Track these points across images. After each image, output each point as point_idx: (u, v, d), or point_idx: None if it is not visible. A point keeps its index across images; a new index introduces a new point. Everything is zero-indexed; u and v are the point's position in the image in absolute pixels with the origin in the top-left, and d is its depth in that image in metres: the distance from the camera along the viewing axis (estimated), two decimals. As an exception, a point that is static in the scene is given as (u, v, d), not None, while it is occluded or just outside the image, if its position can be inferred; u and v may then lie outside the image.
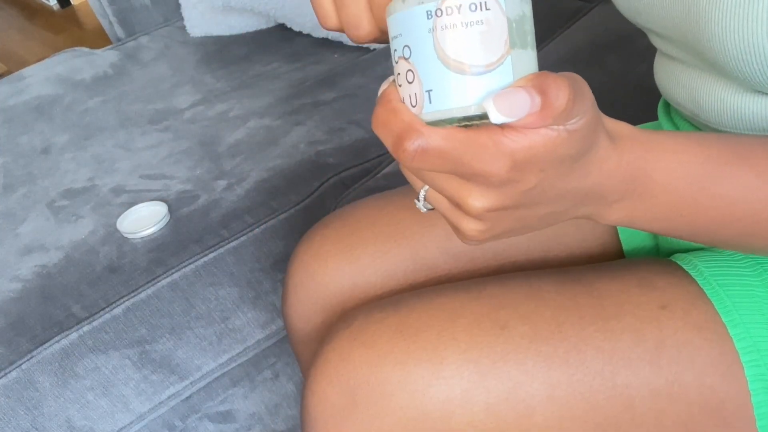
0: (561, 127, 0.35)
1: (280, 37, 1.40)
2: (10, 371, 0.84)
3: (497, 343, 0.53)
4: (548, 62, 1.19)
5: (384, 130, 0.36)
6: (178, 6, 1.47)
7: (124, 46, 1.49)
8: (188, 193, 1.04)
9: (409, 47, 0.35)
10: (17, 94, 1.37)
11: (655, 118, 0.68)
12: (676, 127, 0.61)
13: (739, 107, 0.52)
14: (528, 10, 0.36)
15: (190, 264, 0.93)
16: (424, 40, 0.35)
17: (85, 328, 0.87)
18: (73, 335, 0.87)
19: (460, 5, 0.33)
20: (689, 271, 0.56)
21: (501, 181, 0.36)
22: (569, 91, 0.34)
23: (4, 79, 1.46)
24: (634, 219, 0.44)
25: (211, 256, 0.94)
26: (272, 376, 1.00)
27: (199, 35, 1.46)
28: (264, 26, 1.46)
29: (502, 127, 0.34)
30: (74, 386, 0.86)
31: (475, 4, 0.33)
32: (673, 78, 0.59)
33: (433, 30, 0.34)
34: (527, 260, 0.69)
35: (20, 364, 0.85)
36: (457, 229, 0.42)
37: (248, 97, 1.23)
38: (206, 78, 1.32)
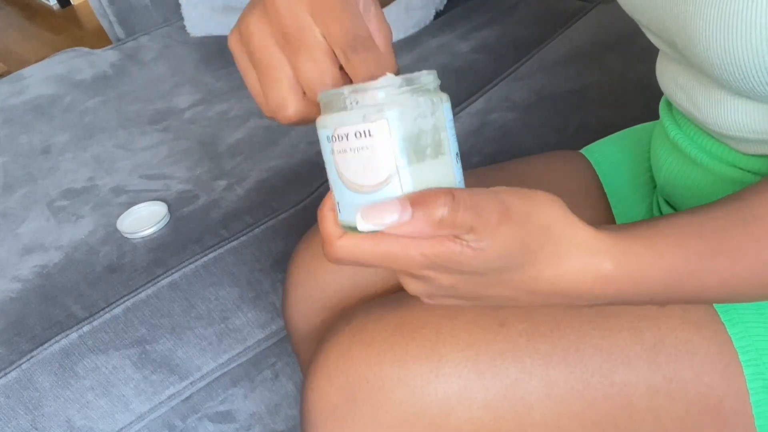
0: (460, 245, 0.38)
1: (280, 37, 1.40)
2: (10, 371, 0.84)
3: (496, 341, 0.53)
4: (548, 62, 1.19)
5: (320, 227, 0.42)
6: (178, 6, 1.47)
7: (124, 46, 1.49)
8: (188, 193, 1.04)
9: (325, 162, 0.41)
10: (17, 94, 1.37)
11: (655, 117, 0.68)
12: (678, 125, 0.61)
13: (734, 110, 0.52)
14: (430, 123, 0.39)
15: (190, 264, 0.93)
16: (329, 160, 0.40)
17: (85, 328, 0.87)
18: (73, 335, 0.87)
19: (347, 134, 0.38)
20: None
21: (417, 276, 0.41)
22: (451, 205, 0.36)
23: (4, 79, 1.46)
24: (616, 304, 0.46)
25: (211, 256, 0.94)
26: (272, 376, 1.00)
27: (199, 35, 1.46)
28: (264, 26, 1.46)
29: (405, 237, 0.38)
30: (74, 386, 0.86)
31: (359, 131, 0.37)
32: (672, 78, 0.59)
33: (332, 152, 0.39)
34: None
35: (20, 364, 0.85)
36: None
37: (248, 97, 1.23)
38: (206, 78, 1.32)
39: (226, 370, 0.94)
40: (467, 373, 0.52)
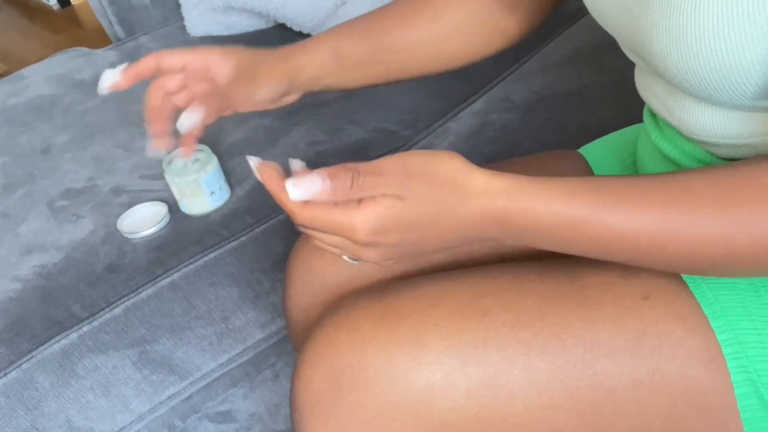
0: (389, 202, 0.47)
1: (280, 37, 1.40)
2: (10, 371, 0.84)
3: (479, 330, 0.54)
4: (548, 62, 1.19)
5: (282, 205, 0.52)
6: (178, 6, 1.47)
7: (124, 46, 1.49)
8: (188, 193, 1.03)
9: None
10: (17, 94, 1.37)
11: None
12: (659, 129, 0.62)
13: (701, 116, 0.53)
14: (192, 179, 0.97)
15: (190, 264, 0.93)
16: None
17: (85, 328, 0.88)
18: (73, 335, 0.87)
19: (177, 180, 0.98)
20: None
21: (364, 243, 0.48)
22: (354, 172, 0.47)
23: (4, 79, 1.46)
24: (527, 244, 0.51)
25: (211, 256, 0.94)
26: (272, 376, 1.00)
27: (199, 35, 1.46)
28: (264, 26, 1.46)
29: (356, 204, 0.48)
30: (74, 386, 0.86)
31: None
32: (647, 87, 0.60)
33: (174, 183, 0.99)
34: (522, 257, 0.69)
35: (20, 364, 0.85)
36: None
37: (248, 97, 1.23)
38: (206, 78, 1.32)
39: (226, 370, 0.94)
40: (449, 360, 0.53)
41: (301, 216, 0.50)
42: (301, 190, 0.49)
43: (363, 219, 0.47)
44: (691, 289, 0.54)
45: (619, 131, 0.77)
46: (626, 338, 0.53)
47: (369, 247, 0.49)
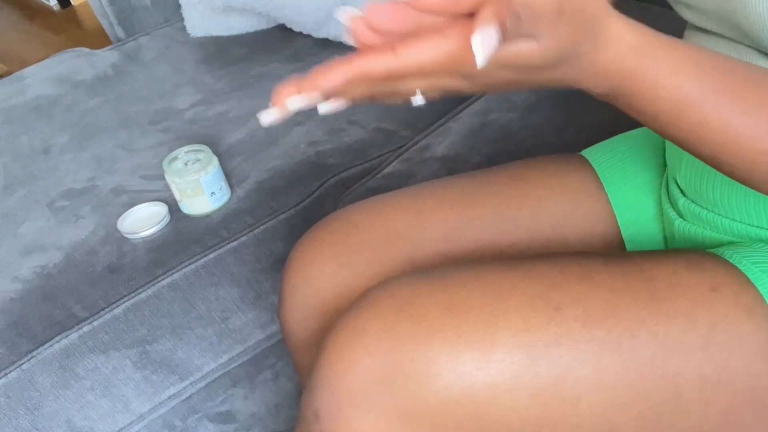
0: (524, 48, 0.40)
1: (280, 37, 1.40)
2: (10, 371, 0.84)
3: (550, 326, 0.51)
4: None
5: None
6: (178, 6, 1.47)
7: (124, 46, 1.49)
8: (188, 193, 1.04)
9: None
10: (17, 95, 1.37)
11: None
12: None
13: None
14: (192, 179, 0.97)
15: (190, 264, 0.93)
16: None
17: (85, 328, 0.88)
18: (73, 335, 0.87)
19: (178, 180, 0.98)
20: (728, 259, 0.55)
21: (474, 80, 0.41)
22: (514, 15, 0.38)
23: (4, 79, 1.46)
24: (616, 105, 0.47)
25: (211, 256, 0.94)
26: (272, 376, 1.00)
27: (199, 35, 1.46)
28: (264, 26, 1.46)
29: None
30: (74, 386, 0.86)
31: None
32: None
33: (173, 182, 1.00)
34: (525, 252, 0.68)
35: (20, 364, 0.85)
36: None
37: (248, 97, 1.23)
38: (206, 78, 1.32)
39: (226, 370, 0.94)
40: (519, 359, 0.50)
41: (422, 61, 0.40)
42: (487, 48, 0.37)
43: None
44: (752, 280, 0.52)
45: (627, 133, 0.76)
46: (698, 333, 0.51)
47: (470, 79, 0.42)
